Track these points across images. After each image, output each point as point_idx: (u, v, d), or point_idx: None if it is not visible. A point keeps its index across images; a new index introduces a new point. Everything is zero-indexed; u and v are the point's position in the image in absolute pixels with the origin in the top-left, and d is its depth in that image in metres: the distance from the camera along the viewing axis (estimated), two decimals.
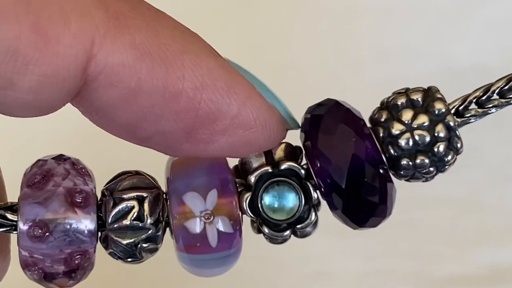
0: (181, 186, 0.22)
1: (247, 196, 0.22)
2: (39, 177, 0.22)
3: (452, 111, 0.22)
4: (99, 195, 0.22)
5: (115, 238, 0.22)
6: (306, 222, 0.22)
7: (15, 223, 0.21)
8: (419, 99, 0.22)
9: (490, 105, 0.22)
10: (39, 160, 0.22)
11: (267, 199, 0.22)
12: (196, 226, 0.21)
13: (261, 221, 0.22)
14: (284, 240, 0.23)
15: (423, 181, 0.22)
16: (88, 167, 0.22)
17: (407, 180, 0.22)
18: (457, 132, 0.22)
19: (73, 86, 0.20)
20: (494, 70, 0.46)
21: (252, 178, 0.22)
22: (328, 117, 0.22)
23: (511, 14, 0.48)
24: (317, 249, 0.42)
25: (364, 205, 0.22)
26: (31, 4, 0.19)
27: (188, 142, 0.21)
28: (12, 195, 0.23)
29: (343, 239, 0.42)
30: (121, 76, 0.20)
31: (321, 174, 0.22)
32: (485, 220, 0.45)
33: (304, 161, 0.23)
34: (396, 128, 0.22)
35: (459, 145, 0.22)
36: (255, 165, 0.22)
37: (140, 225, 0.22)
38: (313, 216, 0.22)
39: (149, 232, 0.22)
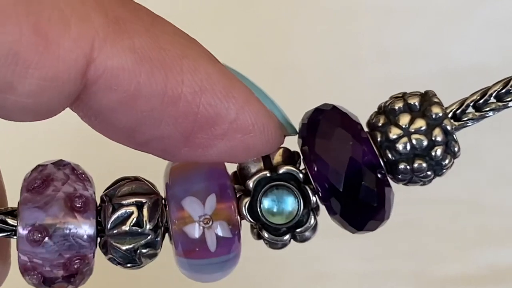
0: (180, 191, 0.22)
1: (246, 201, 0.22)
2: (39, 182, 0.22)
3: (450, 114, 0.22)
4: (98, 201, 0.22)
5: (114, 243, 0.22)
6: (305, 226, 0.22)
7: (15, 228, 0.21)
8: (416, 103, 0.22)
9: (487, 109, 0.23)
10: (39, 165, 0.22)
11: (266, 203, 0.22)
12: (195, 231, 0.21)
13: (260, 225, 0.22)
14: (284, 245, 0.23)
15: (421, 185, 0.22)
16: (88, 173, 0.22)
17: (405, 184, 0.23)
18: (454, 136, 0.22)
19: (73, 89, 0.20)
20: (494, 70, 0.46)
21: (251, 183, 0.22)
22: (325, 121, 0.22)
23: (511, 14, 0.48)
24: (318, 250, 0.42)
25: (362, 209, 0.22)
26: (31, 7, 0.19)
27: (186, 147, 0.21)
28: (13, 200, 0.23)
29: (344, 240, 0.42)
30: (121, 80, 0.20)
31: (319, 178, 0.22)
32: (485, 220, 0.45)
33: (302, 166, 0.23)
34: (394, 133, 0.22)
35: (456, 149, 0.22)
36: (253, 170, 0.22)
37: (139, 230, 0.22)
38: (312, 220, 0.22)
39: (148, 237, 0.22)
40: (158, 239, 0.22)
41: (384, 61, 0.48)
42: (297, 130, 0.23)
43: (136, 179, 0.23)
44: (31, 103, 0.20)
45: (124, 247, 0.22)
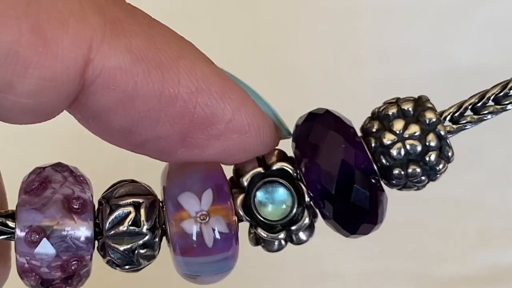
0: (176, 190, 0.22)
1: (241, 197, 0.22)
2: (37, 183, 0.22)
3: (448, 117, 0.23)
4: (96, 205, 0.22)
5: (112, 244, 0.22)
6: (299, 224, 0.22)
7: (14, 230, 0.21)
8: (410, 109, 0.22)
9: (486, 112, 0.23)
10: (37, 167, 0.22)
11: (259, 196, 0.22)
12: (192, 227, 0.21)
13: (255, 223, 0.22)
14: (280, 245, 0.23)
15: (415, 190, 0.23)
16: (86, 176, 0.22)
17: (399, 189, 0.23)
18: (448, 141, 0.22)
19: (72, 89, 0.20)
20: (494, 70, 0.46)
21: (245, 180, 0.22)
22: (318, 125, 0.22)
23: (511, 14, 0.48)
24: (318, 250, 0.42)
25: (355, 212, 0.22)
26: (30, 8, 0.19)
27: (183, 147, 0.22)
28: (14, 203, 0.23)
29: (344, 240, 0.42)
30: (118, 80, 0.20)
31: (311, 181, 0.22)
32: (486, 221, 0.45)
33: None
34: (388, 138, 0.22)
35: (450, 154, 0.22)
36: (247, 169, 0.23)
37: (137, 230, 0.22)
38: (307, 218, 0.22)
39: (146, 237, 0.22)
40: (156, 240, 0.22)
41: (384, 61, 0.48)
42: (291, 132, 0.23)
43: (133, 181, 0.23)
44: (30, 104, 0.20)
45: (122, 248, 0.22)
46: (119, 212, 0.22)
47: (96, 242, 0.22)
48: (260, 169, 0.22)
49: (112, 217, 0.22)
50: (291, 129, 0.23)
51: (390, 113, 0.22)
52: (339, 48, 0.48)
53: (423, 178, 0.22)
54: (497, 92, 0.23)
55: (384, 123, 0.22)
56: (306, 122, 0.23)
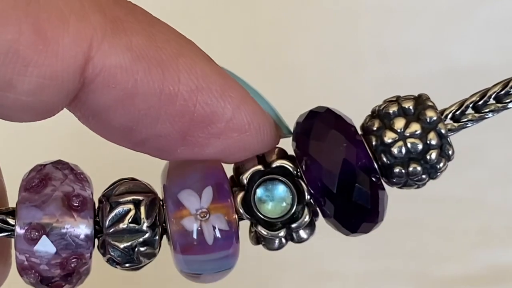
0: (176, 187, 0.22)
1: (241, 195, 0.22)
2: (37, 181, 0.22)
3: (449, 115, 0.23)
4: (96, 202, 0.22)
5: (112, 242, 0.22)
6: (300, 221, 0.22)
7: (14, 227, 0.21)
8: (411, 107, 0.22)
9: (487, 110, 0.23)
10: (37, 165, 0.22)
11: (259, 193, 0.22)
12: (192, 224, 0.21)
13: (255, 221, 0.22)
14: (280, 244, 0.23)
15: (415, 188, 0.23)
16: (86, 173, 0.22)
17: (399, 188, 0.23)
18: (448, 139, 0.22)
19: (72, 88, 0.20)
20: (494, 70, 0.46)
21: (245, 178, 0.22)
22: (319, 123, 0.22)
23: (511, 14, 0.48)
24: (318, 250, 0.42)
25: (356, 210, 0.22)
26: (30, 6, 0.19)
27: (183, 146, 0.22)
28: (15, 201, 0.23)
29: (344, 240, 0.42)
30: (118, 78, 0.20)
31: (312, 180, 0.22)
32: (487, 219, 0.45)
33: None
34: (389, 137, 0.22)
35: (450, 152, 0.22)
36: (247, 167, 0.23)
37: (137, 227, 0.22)
38: (307, 216, 0.22)
39: (146, 235, 0.22)
40: (156, 237, 0.22)
41: (384, 61, 0.48)
42: (292, 131, 0.23)
43: (133, 179, 0.23)
44: (30, 102, 0.20)
45: (122, 245, 0.22)
46: (119, 209, 0.22)
47: (97, 240, 0.22)
48: (260, 167, 0.22)
49: (112, 214, 0.22)
50: (291, 127, 0.23)
51: (391, 111, 0.22)
52: (339, 48, 0.48)
53: (423, 176, 0.22)
54: (498, 90, 0.23)
55: (384, 122, 0.22)
56: (307, 121, 0.23)
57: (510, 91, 0.23)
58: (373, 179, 0.22)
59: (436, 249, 0.45)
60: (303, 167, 0.22)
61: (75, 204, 0.21)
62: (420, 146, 0.22)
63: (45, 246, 0.21)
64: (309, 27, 0.48)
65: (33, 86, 0.20)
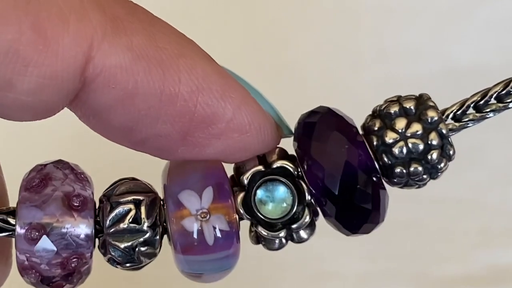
0: (177, 187, 0.22)
1: (241, 196, 0.22)
2: (37, 180, 0.22)
3: (450, 115, 0.23)
4: (97, 202, 0.22)
5: (113, 242, 0.22)
6: (300, 222, 0.22)
7: (15, 227, 0.21)
8: (412, 107, 0.22)
9: (488, 110, 0.23)
10: (38, 165, 0.22)
11: (259, 194, 0.22)
12: (192, 225, 0.21)
13: (256, 222, 0.22)
14: (281, 244, 0.23)
15: (416, 188, 0.23)
16: (87, 173, 0.22)
17: (400, 187, 0.23)
18: (449, 139, 0.22)
19: (72, 87, 0.20)
20: (494, 70, 0.46)
21: (245, 179, 0.22)
22: (320, 124, 0.22)
23: (511, 14, 0.48)
24: (318, 250, 0.42)
25: (357, 212, 0.22)
26: (30, 6, 0.19)
27: (183, 146, 0.22)
28: (15, 201, 0.23)
29: (344, 240, 0.42)
30: (118, 78, 0.20)
31: (314, 181, 0.22)
32: (487, 220, 0.45)
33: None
34: (390, 137, 0.22)
35: (451, 152, 0.22)
36: (248, 167, 0.23)
37: (137, 227, 0.22)
38: (307, 217, 0.22)
39: (147, 235, 0.22)
40: (157, 237, 0.22)
41: (384, 61, 0.48)
42: (293, 131, 0.23)
43: (133, 179, 0.23)
44: (30, 101, 0.20)
45: (122, 245, 0.22)
46: (120, 209, 0.22)
47: (97, 240, 0.22)
48: (260, 167, 0.22)
49: (113, 214, 0.22)
50: (292, 127, 0.23)
51: (392, 111, 0.22)
52: (339, 48, 0.48)
53: (424, 176, 0.22)
54: (499, 90, 0.23)
55: (386, 122, 0.22)
56: (309, 121, 0.22)
57: (511, 91, 0.23)
58: (374, 179, 0.22)
59: (436, 250, 0.45)
60: (305, 167, 0.22)
61: (75, 204, 0.21)
62: (421, 147, 0.22)
63: (45, 246, 0.21)
64: (309, 27, 0.48)
65: (33, 85, 0.20)
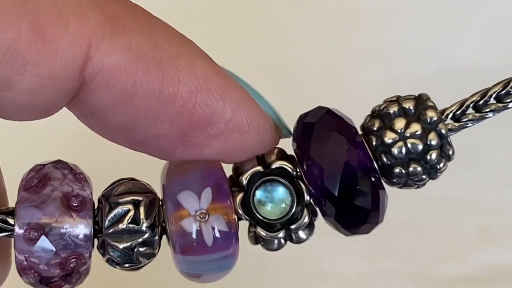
0: (176, 188, 0.22)
1: (240, 196, 0.22)
2: (36, 181, 0.22)
3: (450, 115, 0.23)
4: (96, 203, 0.22)
5: (112, 242, 0.22)
6: (299, 223, 0.22)
7: (14, 227, 0.21)
8: (411, 107, 0.22)
9: (487, 110, 0.23)
10: (37, 165, 0.22)
11: (258, 195, 0.22)
12: (191, 225, 0.21)
13: (255, 222, 0.22)
14: (279, 244, 0.23)
15: (415, 188, 0.23)
16: (86, 173, 0.22)
17: (399, 188, 0.23)
18: (448, 139, 0.22)
19: (71, 87, 0.20)
20: (494, 70, 0.46)
21: (244, 179, 0.22)
22: (320, 125, 0.22)
23: (511, 14, 0.48)
24: (318, 250, 0.42)
25: (357, 213, 0.22)
26: (29, 5, 0.19)
27: (182, 146, 0.22)
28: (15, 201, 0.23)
29: (344, 240, 0.42)
30: (117, 77, 0.20)
31: (313, 182, 0.22)
32: (487, 220, 0.45)
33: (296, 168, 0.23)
34: (389, 137, 0.22)
35: (450, 152, 0.22)
36: (247, 168, 0.23)
37: (136, 228, 0.22)
38: (306, 217, 0.22)
39: (146, 235, 0.22)
40: (156, 238, 0.22)
41: (384, 61, 0.48)
42: (292, 131, 0.23)
43: (132, 179, 0.23)
44: (29, 101, 0.20)
45: (121, 246, 0.22)
46: (118, 210, 0.22)
47: (96, 240, 0.22)
48: (259, 168, 0.22)
49: (112, 215, 0.22)
50: (291, 128, 0.23)
51: (391, 111, 0.22)
52: (339, 48, 0.48)
53: (424, 176, 0.22)
54: (499, 90, 0.23)
55: (385, 122, 0.22)
56: (308, 122, 0.22)
57: (510, 91, 0.23)
58: (373, 179, 0.22)
59: (436, 250, 0.45)
60: (304, 168, 0.22)
61: (74, 204, 0.21)
62: (420, 147, 0.22)
63: (44, 246, 0.21)
64: (309, 27, 0.48)
65: (32, 85, 0.20)
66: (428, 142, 0.22)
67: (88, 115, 0.21)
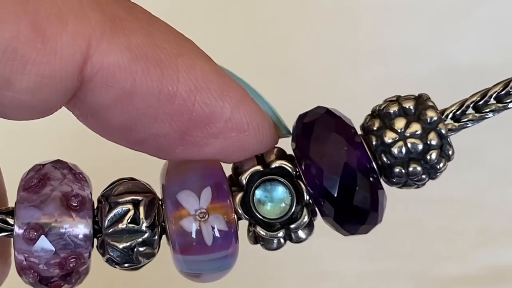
0: (175, 187, 0.22)
1: (240, 196, 0.22)
2: (36, 181, 0.22)
3: (449, 115, 0.23)
4: (95, 202, 0.22)
5: (111, 242, 0.22)
6: (298, 222, 0.22)
7: (13, 227, 0.21)
8: (411, 107, 0.22)
9: (487, 110, 0.23)
10: (36, 164, 0.22)
11: (258, 194, 0.22)
12: (191, 225, 0.21)
13: (254, 222, 0.22)
14: (279, 244, 0.23)
15: (415, 188, 0.23)
16: (85, 173, 0.22)
17: (399, 187, 0.23)
18: (448, 139, 0.22)
19: (70, 86, 0.20)
20: (494, 69, 0.46)
21: (244, 179, 0.22)
22: (319, 125, 0.22)
23: (511, 14, 0.48)
24: (318, 250, 0.42)
25: (356, 213, 0.22)
26: (29, 4, 0.19)
27: (182, 145, 0.22)
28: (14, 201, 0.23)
29: (344, 240, 0.42)
30: (117, 77, 0.20)
31: (312, 182, 0.22)
32: (486, 220, 0.45)
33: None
34: (389, 137, 0.22)
35: (450, 152, 0.22)
36: (246, 167, 0.23)
37: (136, 227, 0.22)
38: (306, 217, 0.22)
39: (145, 235, 0.22)
40: (155, 237, 0.22)
41: (384, 61, 0.48)
42: (291, 131, 0.23)
43: (132, 179, 0.23)
44: (28, 100, 0.20)
45: (121, 245, 0.22)
46: (118, 209, 0.22)
47: (96, 240, 0.22)
48: (259, 167, 0.22)
49: (111, 214, 0.22)
50: (291, 127, 0.23)
51: (391, 111, 0.22)
52: (339, 48, 0.48)
53: (423, 176, 0.22)
54: (499, 90, 0.23)
55: (385, 121, 0.22)
56: (307, 122, 0.22)
57: (510, 91, 0.23)
58: (372, 179, 0.22)
59: (435, 249, 0.45)
60: (303, 167, 0.22)
61: (73, 204, 0.21)
62: (420, 147, 0.22)
63: (43, 246, 0.21)
64: (308, 26, 0.48)
65: (31, 84, 0.20)
66: (428, 142, 0.22)
67: (87, 114, 0.21)
